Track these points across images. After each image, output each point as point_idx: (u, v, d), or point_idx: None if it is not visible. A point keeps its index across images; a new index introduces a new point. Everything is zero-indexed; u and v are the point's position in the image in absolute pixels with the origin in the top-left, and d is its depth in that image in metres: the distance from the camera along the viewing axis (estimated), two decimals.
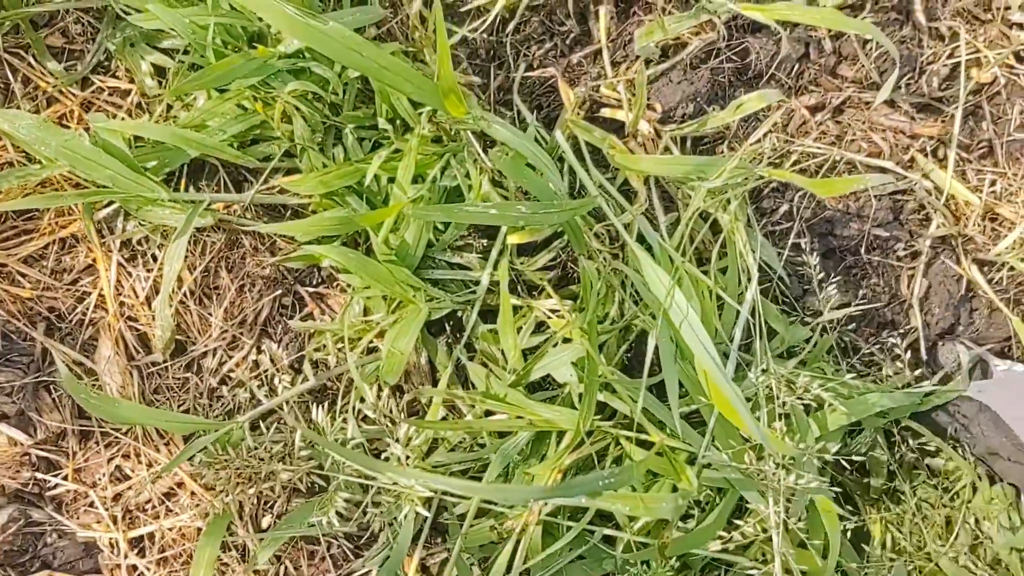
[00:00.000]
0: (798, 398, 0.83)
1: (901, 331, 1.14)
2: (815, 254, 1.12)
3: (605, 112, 1.14)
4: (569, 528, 0.96)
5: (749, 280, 0.89)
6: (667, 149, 1.11)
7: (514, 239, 1.01)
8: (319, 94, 1.09)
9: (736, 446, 0.86)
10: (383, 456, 0.97)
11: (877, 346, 1.13)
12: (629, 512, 0.73)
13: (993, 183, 1.21)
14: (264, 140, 1.14)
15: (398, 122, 1.11)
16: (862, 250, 1.17)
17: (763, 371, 0.85)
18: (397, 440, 0.88)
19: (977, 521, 0.98)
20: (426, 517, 1.00)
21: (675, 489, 0.85)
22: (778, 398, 0.83)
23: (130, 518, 1.13)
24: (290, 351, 1.14)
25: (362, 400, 1.05)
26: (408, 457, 0.90)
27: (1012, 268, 1.17)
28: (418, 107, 1.08)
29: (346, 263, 1.00)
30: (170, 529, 1.12)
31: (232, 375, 1.13)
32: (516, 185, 1.03)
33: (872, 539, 1.02)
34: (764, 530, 0.87)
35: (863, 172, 1.18)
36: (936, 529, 0.97)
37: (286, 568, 1.12)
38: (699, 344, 0.78)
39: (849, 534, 1.02)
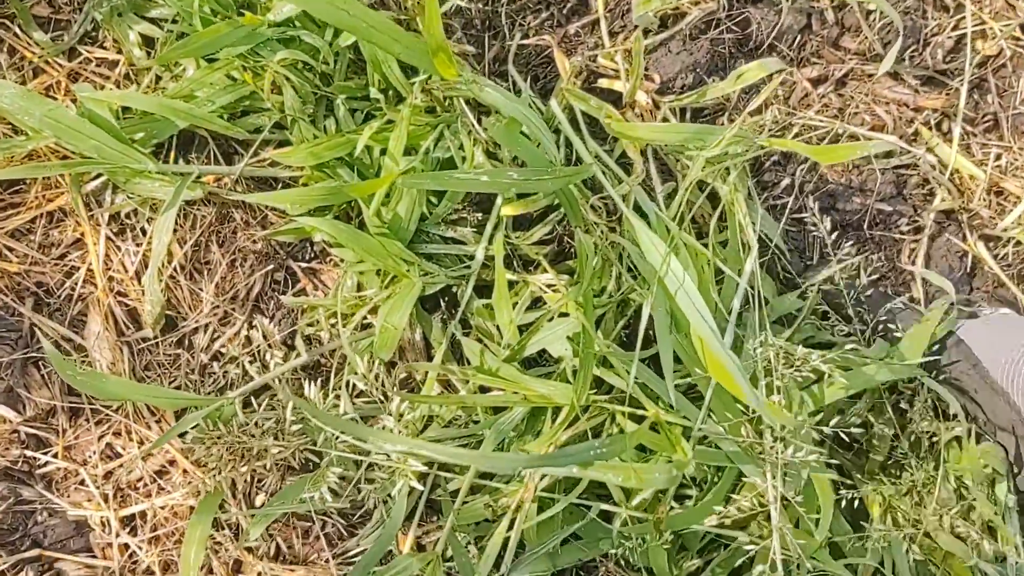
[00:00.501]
0: (796, 370, 0.81)
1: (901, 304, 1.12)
2: (826, 219, 1.09)
3: (603, 83, 1.12)
4: (565, 506, 0.95)
5: (748, 252, 0.87)
6: (665, 120, 1.09)
7: (508, 210, 0.99)
8: (309, 64, 1.06)
9: (733, 419, 0.85)
10: None
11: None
12: (621, 482, 0.71)
13: (998, 157, 1.19)
14: (254, 111, 1.11)
15: (390, 92, 1.08)
16: (864, 225, 1.15)
17: (761, 343, 0.83)
18: (390, 414, 0.86)
19: (966, 485, 0.95)
20: (420, 492, 0.99)
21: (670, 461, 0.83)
22: (776, 370, 0.82)
23: (121, 496, 1.11)
24: (282, 327, 1.12)
25: (356, 374, 1.04)
26: (402, 433, 0.88)
27: (1018, 243, 1.15)
28: (410, 77, 1.05)
29: (337, 236, 0.98)
30: (162, 507, 1.10)
31: (224, 351, 1.12)
32: (511, 155, 1.01)
33: (871, 516, 1.00)
34: (762, 505, 0.86)
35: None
36: (932, 498, 0.95)
37: (279, 546, 1.11)
38: (696, 312, 0.76)
39: (848, 510, 1.01)
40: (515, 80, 1.10)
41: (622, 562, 0.97)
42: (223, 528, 1.10)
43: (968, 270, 1.16)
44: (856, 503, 0.96)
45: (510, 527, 0.87)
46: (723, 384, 0.77)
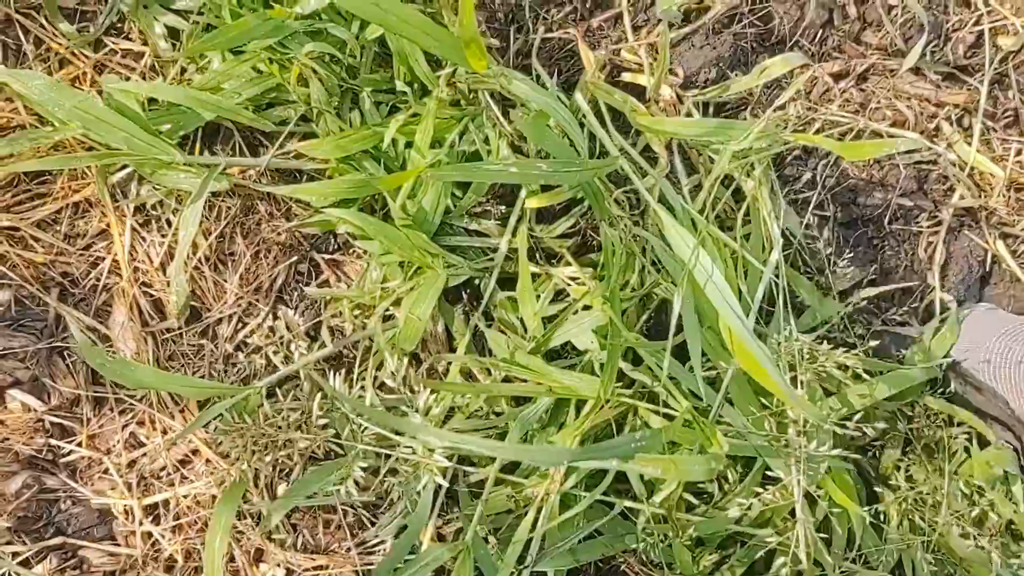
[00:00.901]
0: (820, 367, 0.82)
1: (915, 304, 1.13)
2: (829, 223, 1.11)
3: (626, 76, 1.13)
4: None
5: (772, 247, 0.88)
6: (689, 115, 1.10)
7: (533, 203, 0.99)
8: (336, 56, 1.07)
9: (757, 414, 0.85)
10: None
11: (895, 315, 1.12)
12: (661, 474, 0.71)
13: (1019, 153, 1.19)
14: (280, 104, 1.12)
15: (416, 86, 1.09)
16: (885, 220, 1.15)
17: (786, 338, 0.84)
18: (415, 408, 0.87)
19: (980, 489, 0.96)
20: (440, 486, 0.99)
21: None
22: (800, 365, 0.82)
23: (145, 485, 1.12)
24: (306, 318, 1.12)
25: (379, 368, 1.04)
26: (429, 425, 0.88)
27: None
28: (436, 69, 1.06)
29: (365, 228, 0.99)
30: (185, 496, 1.11)
31: (248, 342, 1.12)
32: (536, 149, 1.01)
33: (889, 519, 1.01)
34: (784, 499, 0.86)
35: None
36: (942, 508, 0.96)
37: (303, 536, 1.12)
38: (724, 303, 0.76)
39: (867, 516, 1.01)
40: (539, 73, 1.10)
41: (643, 557, 0.98)
42: (245, 518, 1.11)
43: (987, 269, 1.16)
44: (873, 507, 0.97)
45: (535, 520, 0.87)
46: (752, 374, 0.77)
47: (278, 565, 1.12)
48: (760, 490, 0.83)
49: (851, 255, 1.13)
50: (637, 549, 0.96)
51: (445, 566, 0.90)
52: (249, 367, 1.10)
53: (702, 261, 0.80)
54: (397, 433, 0.86)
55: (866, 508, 1.03)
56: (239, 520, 1.11)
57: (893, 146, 0.86)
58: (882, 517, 1.04)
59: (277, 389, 1.07)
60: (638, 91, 1.12)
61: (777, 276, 0.87)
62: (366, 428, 0.92)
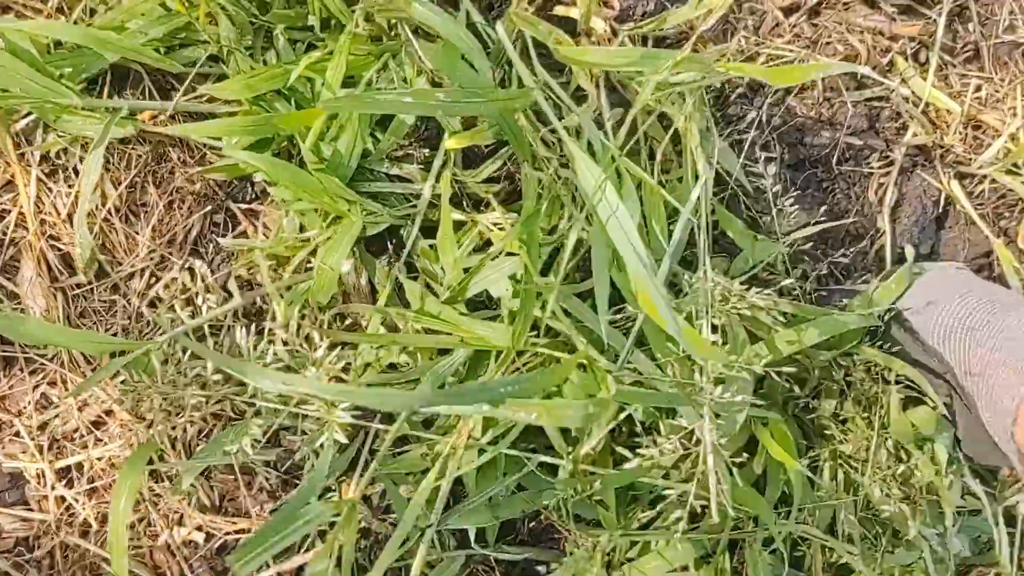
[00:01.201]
0: (733, 309, 0.76)
1: (864, 247, 1.07)
2: (775, 164, 1.05)
3: (559, 10, 1.06)
4: (511, 456, 0.90)
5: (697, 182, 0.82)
6: None
7: (452, 143, 0.93)
8: None
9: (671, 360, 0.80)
10: None
11: (839, 261, 1.06)
12: (535, 420, 0.66)
13: (978, 88, 1.12)
14: (190, 44, 1.05)
15: (333, 22, 1.02)
16: (833, 161, 1.09)
17: (697, 279, 0.78)
18: (313, 363, 0.81)
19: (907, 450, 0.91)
20: (346, 445, 0.94)
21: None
22: (714, 307, 0.76)
23: (58, 448, 1.07)
24: (222, 271, 1.07)
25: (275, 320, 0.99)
26: (322, 379, 0.83)
27: (994, 181, 1.10)
28: (352, 4, 0.99)
29: (270, 172, 0.93)
30: (99, 459, 1.06)
31: (163, 297, 1.07)
32: (456, 86, 0.95)
33: (821, 473, 0.96)
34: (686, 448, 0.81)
35: (837, 76, 1.10)
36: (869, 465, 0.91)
37: (222, 498, 1.07)
38: (624, 239, 0.70)
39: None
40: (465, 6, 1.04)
41: (566, 512, 0.93)
42: (163, 480, 1.06)
43: (941, 210, 1.10)
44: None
45: (440, 476, 0.82)
46: (651, 315, 0.72)
47: (198, 528, 1.07)
48: (662, 439, 0.78)
49: (799, 197, 1.08)
50: (560, 503, 0.91)
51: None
52: (162, 323, 1.05)
53: (608, 197, 0.74)
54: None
55: (803, 461, 0.98)
56: (157, 483, 1.06)
57: (822, 69, 0.80)
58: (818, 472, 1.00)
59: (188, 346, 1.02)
60: (572, 26, 1.05)
61: (697, 214, 0.81)
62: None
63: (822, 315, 0.89)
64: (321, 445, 0.80)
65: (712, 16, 1.03)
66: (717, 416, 0.84)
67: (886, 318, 0.94)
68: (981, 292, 0.94)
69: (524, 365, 0.91)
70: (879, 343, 0.94)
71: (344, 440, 0.78)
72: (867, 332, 0.95)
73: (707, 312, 0.78)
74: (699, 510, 0.89)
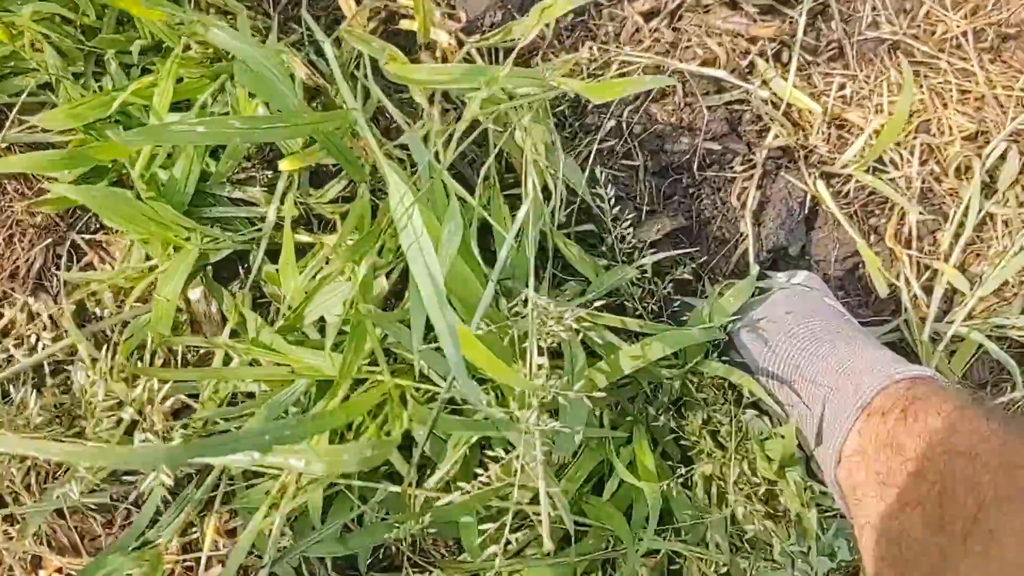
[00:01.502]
0: (550, 331, 0.74)
1: (728, 252, 1.05)
2: (642, 174, 1.03)
3: (404, 24, 1.03)
4: (358, 490, 0.88)
5: (527, 199, 0.79)
6: (470, 62, 1.00)
7: (284, 165, 0.90)
8: (68, 17, 0.97)
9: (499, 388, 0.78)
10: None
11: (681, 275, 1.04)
12: (304, 469, 0.64)
13: (842, 87, 1.11)
14: (20, 73, 1.02)
15: (165, 46, 0.99)
16: (694, 167, 1.07)
17: (520, 304, 0.76)
18: (132, 402, 0.78)
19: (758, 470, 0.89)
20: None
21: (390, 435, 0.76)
22: (539, 333, 0.74)
23: None
24: (68, 304, 1.03)
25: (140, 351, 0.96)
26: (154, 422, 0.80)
27: (859, 180, 1.08)
28: (179, 27, 0.96)
29: (93, 204, 0.90)
30: None
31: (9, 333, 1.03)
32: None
33: (694, 488, 0.94)
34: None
35: (693, 81, 1.08)
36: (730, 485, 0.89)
37: (82, 537, 1.04)
38: (423, 266, 0.68)
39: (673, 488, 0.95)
40: (307, 22, 1.01)
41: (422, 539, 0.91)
42: (16, 522, 1.03)
43: (809, 211, 1.09)
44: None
45: (268, 514, 0.79)
46: (464, 346, 0.69)
47: (57, 571, 1.04)
48: (479, 471, 0.75)
49: (667, 204, 1.06)
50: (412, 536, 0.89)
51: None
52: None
53: (413, 222, 0.71)
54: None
55: (677, 477, 0.96)
56: (11, 526, 1.03)
57: (644, 83, 0.77)
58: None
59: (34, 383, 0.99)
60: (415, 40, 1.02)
61: (520, 237, 0.79)
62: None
63: (663, 330, 0.87)
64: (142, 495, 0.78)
65: (548, 27, 1.01)
66: (554, 442, 0.82)
67: (730, 329, 0.92)
68: (812, 323, 0.91)
69: (366, 392, 0.88)
70: (722, 357, 0.92)
71: (169, 481, 0.75)
72: (714, 345, 0.93)
73: (531, 336, 0.76)
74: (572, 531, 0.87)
